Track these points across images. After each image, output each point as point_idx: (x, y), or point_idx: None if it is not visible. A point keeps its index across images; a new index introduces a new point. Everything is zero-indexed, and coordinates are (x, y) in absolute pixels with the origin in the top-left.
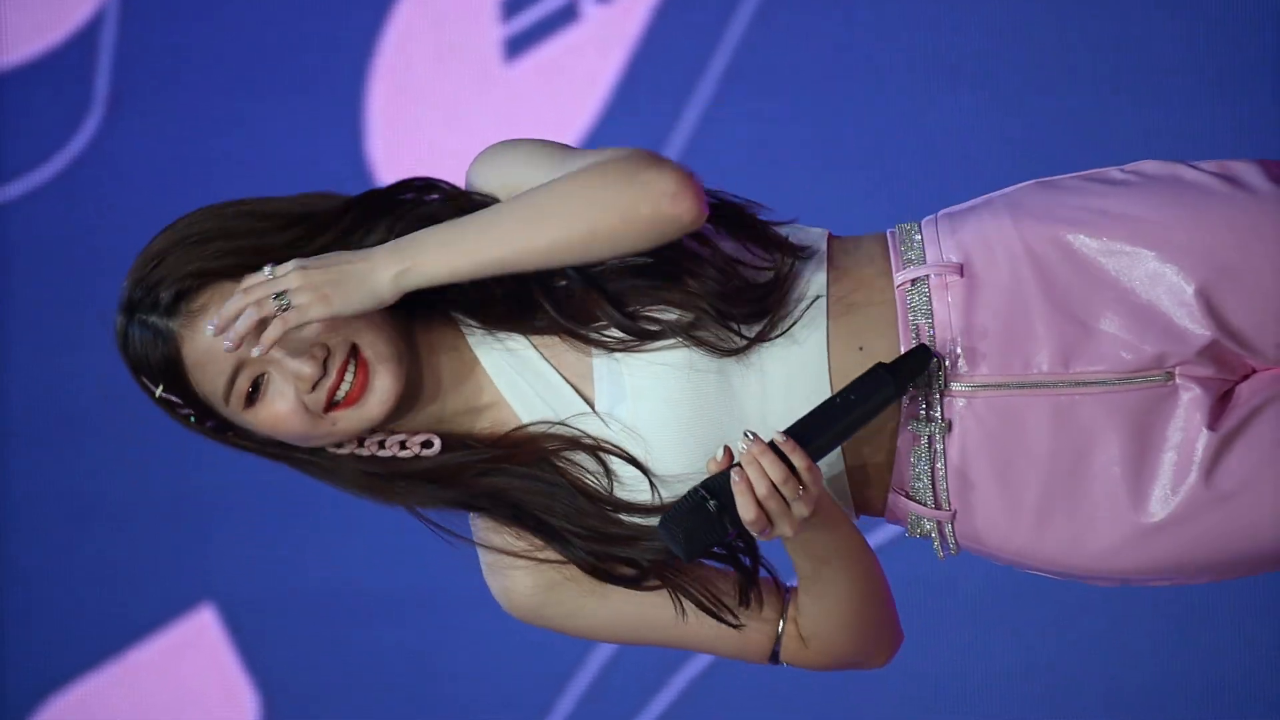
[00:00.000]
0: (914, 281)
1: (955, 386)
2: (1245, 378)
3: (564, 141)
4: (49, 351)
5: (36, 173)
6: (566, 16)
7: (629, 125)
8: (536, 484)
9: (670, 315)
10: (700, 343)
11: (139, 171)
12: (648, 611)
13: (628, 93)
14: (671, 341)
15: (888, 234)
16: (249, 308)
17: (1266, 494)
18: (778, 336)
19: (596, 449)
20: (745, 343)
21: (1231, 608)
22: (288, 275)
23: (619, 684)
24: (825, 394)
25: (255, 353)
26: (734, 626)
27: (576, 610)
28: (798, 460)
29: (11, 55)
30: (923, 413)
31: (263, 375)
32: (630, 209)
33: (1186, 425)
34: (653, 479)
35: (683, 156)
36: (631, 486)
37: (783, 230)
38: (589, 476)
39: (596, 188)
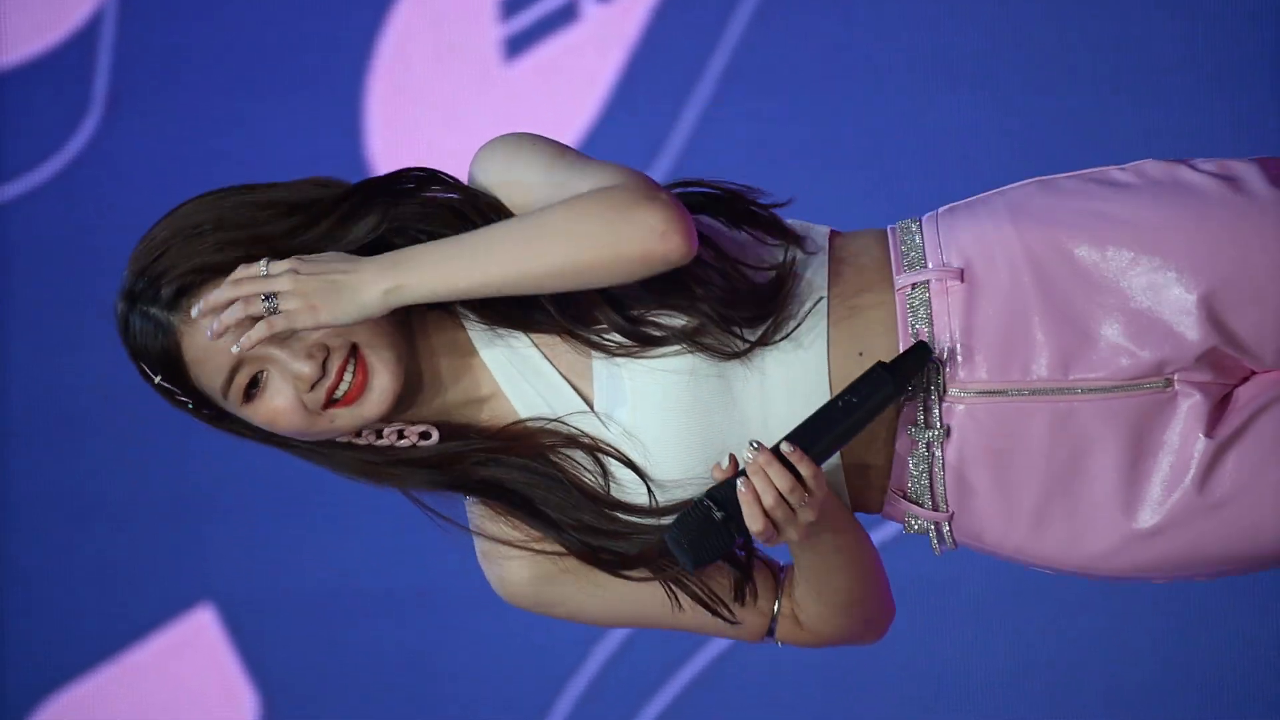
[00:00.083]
0: (914, 286)
1: (954, 392)
2: (1244, 380)
3: (564, 142)
4: (49, 351)
5: (36, 172)
6: (566, 16)
7: (628, 125)
8: (533, 477)
9: (674, 321)
10: (703, 348)
11: (138, 171)
12: (643, 600)
13: (627, 92)
14: (675, 348)
15: (888, 230)
16: (238, 302)
17: (1268, 493)
18: (781, 340)
19: (595, 449)
20: (747, 346)
21: (1231, 607)
22: (280, 277)
23: (618, 684)
24: (825, 396)
25: (234, 350)
26: (730, 622)
27: (572, 600)
28: (804, 469)
29: (11, 55)
30: (921, 418)
31: (262, 372)
32: (621, 246)
33: (1184, 432)
34: (650, 484)
35: (682, 156)
36: (629, 489)
37: (786, 222)
38: (586, 475)
39: (590, 220)
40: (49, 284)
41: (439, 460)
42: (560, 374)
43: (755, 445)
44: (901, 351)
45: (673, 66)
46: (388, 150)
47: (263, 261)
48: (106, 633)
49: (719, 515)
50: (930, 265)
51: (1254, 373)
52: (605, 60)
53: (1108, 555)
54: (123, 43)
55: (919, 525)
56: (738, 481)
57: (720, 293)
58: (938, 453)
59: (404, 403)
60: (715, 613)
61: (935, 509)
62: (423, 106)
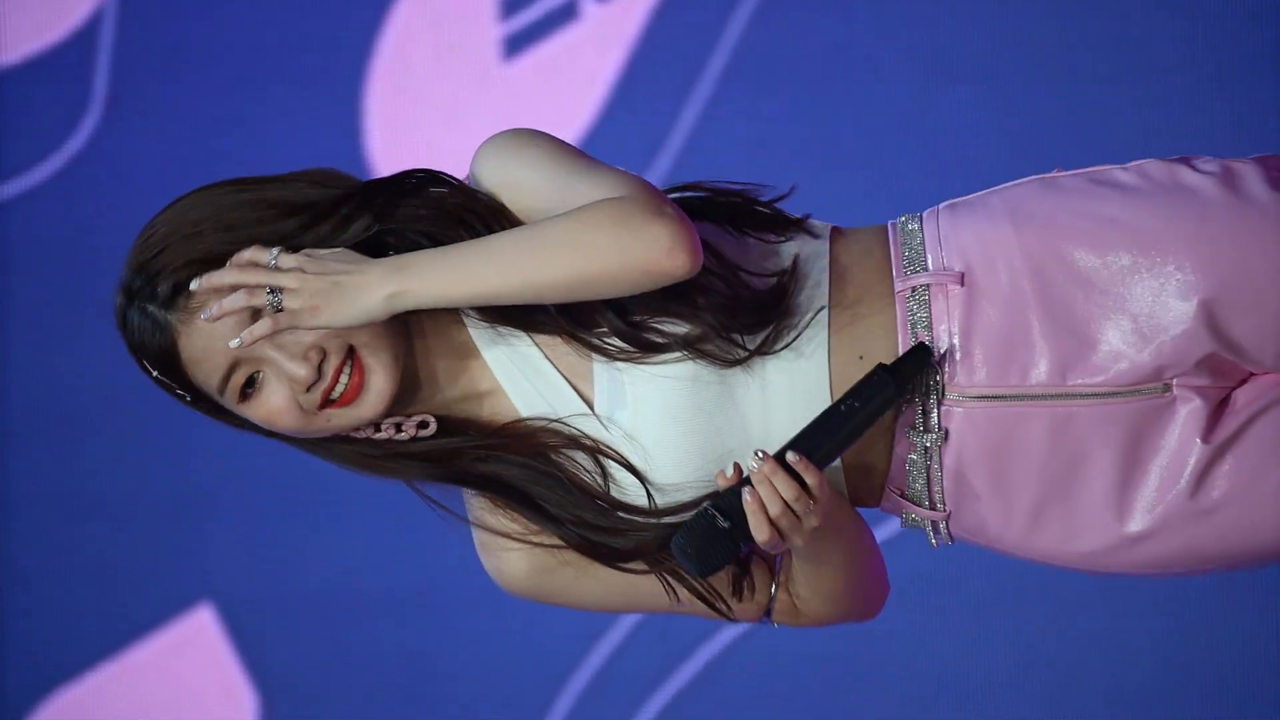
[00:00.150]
0: (914, 290)
1: (952, 396)
2: (1242, 382)
3: (564, 142)
4: (49, 351)
5: (35, 172)
6: (565, 15)
7: (628, 124)
8: (533, 474)
9: (676, 328)
10: (705, 355)
11: (138, 171)
12: (641, 590)
13: (627, 92)
14: (676, 354)
15: (889, 226)
16: (242, 291)
17: (1268, 495)
18: (782, 349)
19: (596, 451)
20: (747, 355)
21: (1231, 606)
22: (288, 273)
23: (618, 684)
24: (826, 401)
25: (233, 344)
26: (727, 617)
27: (570, 590)
28: (809, 478)
29: (10, 54)
30: (920, 421)
31: (258, 372)
32: (627, 260)
33: (1181, 436)
34: (650, 488)
35: (682, 156)
36: (628, 491)
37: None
38: (586, 475)
39: (596, 233)
40: (49, 284)
41: (438, 454)
42: (561, 374)
43: (760, 454)
44: (901, 354)
45: (673, 66)
46: (387, 150)
47: (274, 250)
48: (106, 632)
49: (724, 524)
50: (930, 268)
51: (1252, 375)
52: (605, 60)
53: (1099, 555)
54: (122, 42)
55: (916, 521)
56: (743, 492)
57: (722, 300)
58: (936, 455)
59: (403, 400)
60: (713, 606)
61: (933, 508)
62: (423, 106)
